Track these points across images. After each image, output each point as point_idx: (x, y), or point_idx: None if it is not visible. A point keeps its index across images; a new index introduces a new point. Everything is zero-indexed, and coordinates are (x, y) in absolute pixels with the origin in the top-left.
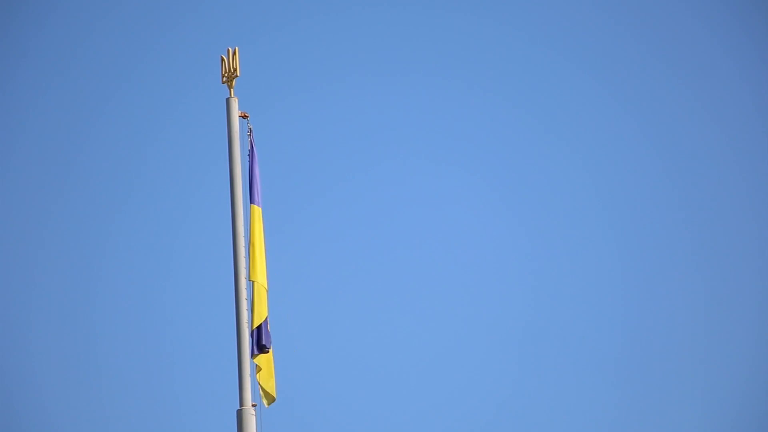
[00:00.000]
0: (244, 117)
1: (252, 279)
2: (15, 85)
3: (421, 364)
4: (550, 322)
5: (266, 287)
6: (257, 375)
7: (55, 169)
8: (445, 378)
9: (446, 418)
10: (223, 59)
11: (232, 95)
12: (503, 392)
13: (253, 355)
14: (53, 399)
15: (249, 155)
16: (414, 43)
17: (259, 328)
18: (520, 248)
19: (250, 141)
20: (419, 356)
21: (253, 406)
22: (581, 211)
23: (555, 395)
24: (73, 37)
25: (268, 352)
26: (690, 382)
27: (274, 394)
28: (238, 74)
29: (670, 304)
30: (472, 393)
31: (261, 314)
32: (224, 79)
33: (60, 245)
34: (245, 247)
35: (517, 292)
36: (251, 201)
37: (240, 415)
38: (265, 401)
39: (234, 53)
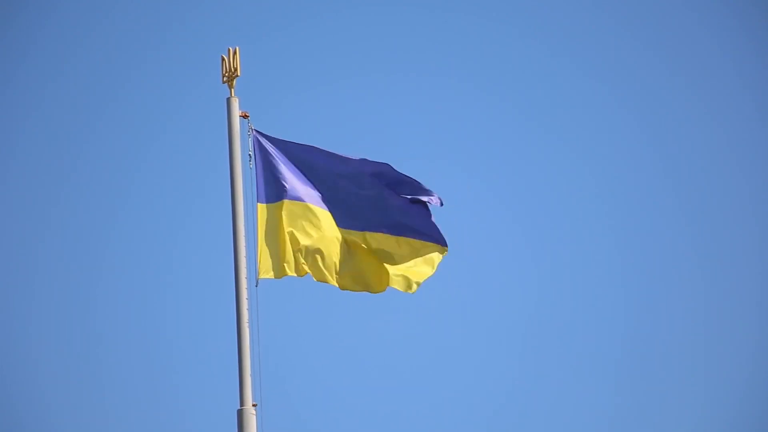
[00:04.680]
0: (244, 117)
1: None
2: (15, 84)
3: (422, 363)
4: (550, 322)
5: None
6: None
7: (54, 169)
8: (445, 378)
9: (447, 418)
10: (223, 59)
11: (233, 95)
12: (504, 393)
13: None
14: (53, 399)
15: (254, 153)
16: (415, 43)
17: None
18: (521, 248)
19: (252, 140)
20: (420, 356)
21: (253, 405)
22: (581, 211)
23: (556, 396)
24: (73, 37)
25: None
26: (690, 382)
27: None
28: (239, 74)
29: (671, 304)
30: (473, 393)
31: None
32: (225, 78)
33: (60, 245)
34: (246, 246)
35: (517, 292)
36: (283, 197)
37: (240, 415)
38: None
39: (234, 53)
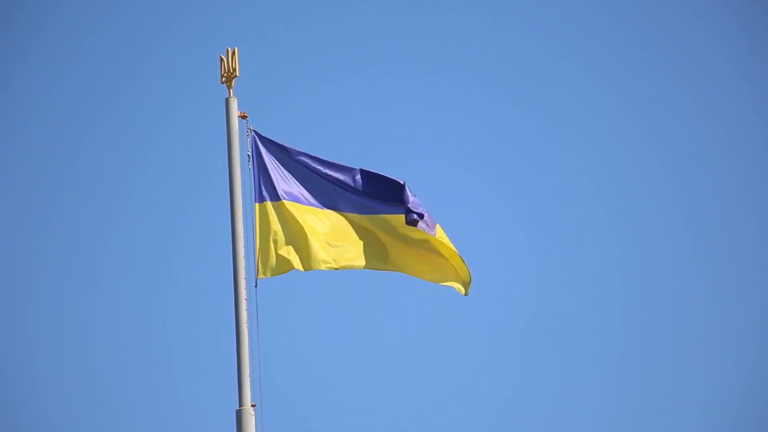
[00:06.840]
0: (243, 117)
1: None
2: (15, 84)
3: (422, 364)
4: (550, 322)
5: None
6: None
7: (55, 169)
8: (446, 378)
9: (447, 419)
10: (222, 59)
11: (232, 95)
12: (504, 393)
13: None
14: (53, 399)
15: (252, 154)
16: (414, 43)
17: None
18: (520, 248)
19: (251, 140)
20: (420, 356)
21: (252, 406)
22: (581, 211)
23: (556, 396)
24: (73, 37)
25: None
26: (690, 382)
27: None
28: (238, 74)
29: (671, 304)
30: (473, 394)
31: None
32: (223, 79)
33: (59, 245)
34: (245, 247)
35: (516, 293)
36: (278, 198)
37: (239, 415)
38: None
39: (233, 53)
